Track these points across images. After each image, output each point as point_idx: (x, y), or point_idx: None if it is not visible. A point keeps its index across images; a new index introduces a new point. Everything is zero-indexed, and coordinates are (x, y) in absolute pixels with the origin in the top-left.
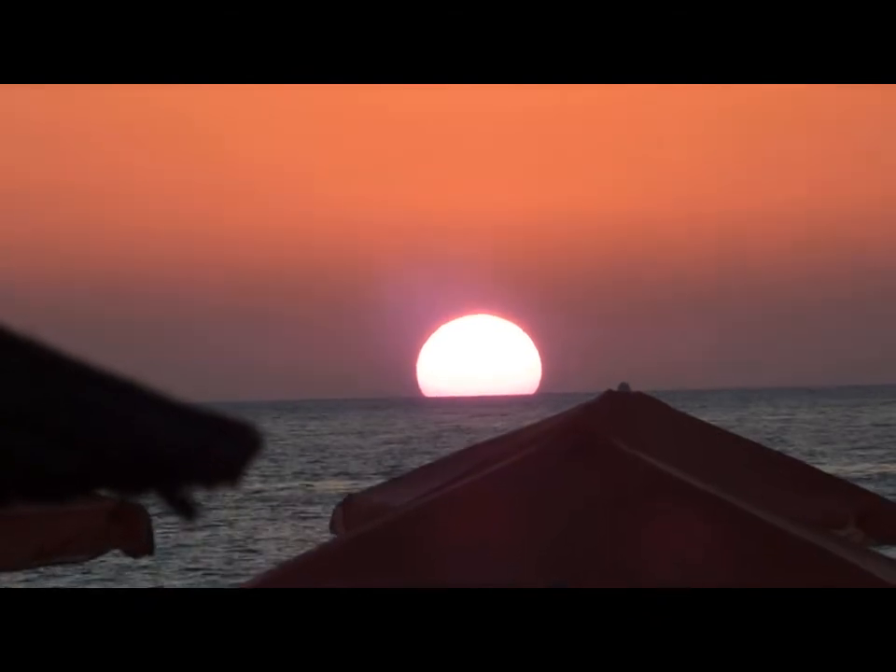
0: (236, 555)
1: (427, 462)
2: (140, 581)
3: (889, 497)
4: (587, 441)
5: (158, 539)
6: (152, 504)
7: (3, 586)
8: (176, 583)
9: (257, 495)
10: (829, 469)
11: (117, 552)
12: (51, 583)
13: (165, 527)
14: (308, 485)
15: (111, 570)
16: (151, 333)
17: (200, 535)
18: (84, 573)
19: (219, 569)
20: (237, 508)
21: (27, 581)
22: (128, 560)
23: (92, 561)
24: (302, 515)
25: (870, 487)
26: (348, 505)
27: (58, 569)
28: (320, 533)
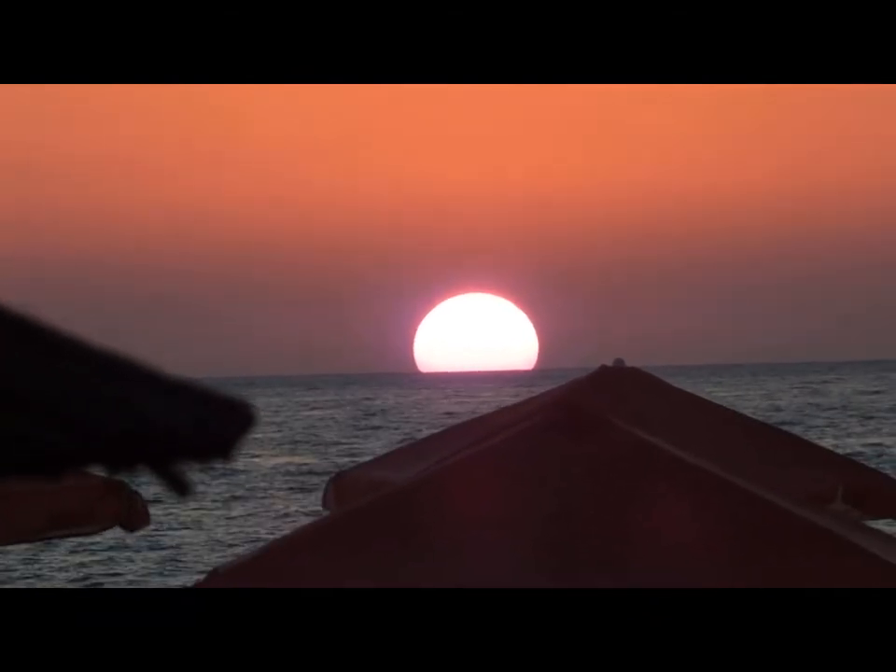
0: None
1: (419, 437)
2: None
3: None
4: (580, 417)
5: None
6: (146, 481)
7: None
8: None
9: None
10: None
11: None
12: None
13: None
14: (300, 461)
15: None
16: (152, 308)
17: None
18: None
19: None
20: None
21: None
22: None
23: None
24: (295, 490)
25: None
26: (340, 481)
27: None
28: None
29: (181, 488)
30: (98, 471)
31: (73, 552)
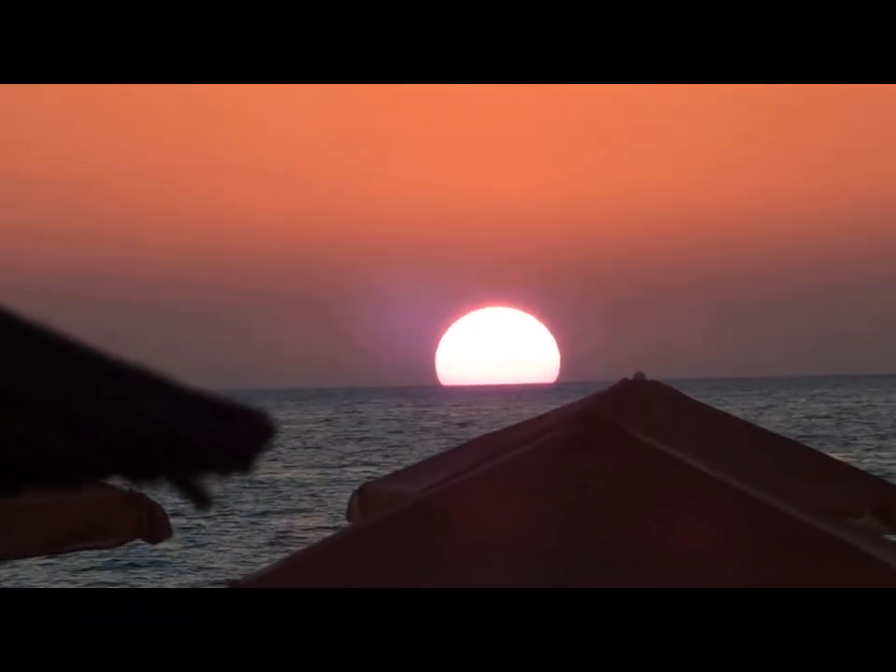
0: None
1: (443, 450)
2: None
3: None
4: (601, 430)
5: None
6: (167, 492)
7: (3, 586)
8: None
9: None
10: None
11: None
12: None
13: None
14: (325, 473)
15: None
16: (170, 320)
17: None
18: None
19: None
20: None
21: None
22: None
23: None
24: (319, 502)
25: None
26: (364, 493)
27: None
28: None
29: (201, 500)
30: (118, 483)
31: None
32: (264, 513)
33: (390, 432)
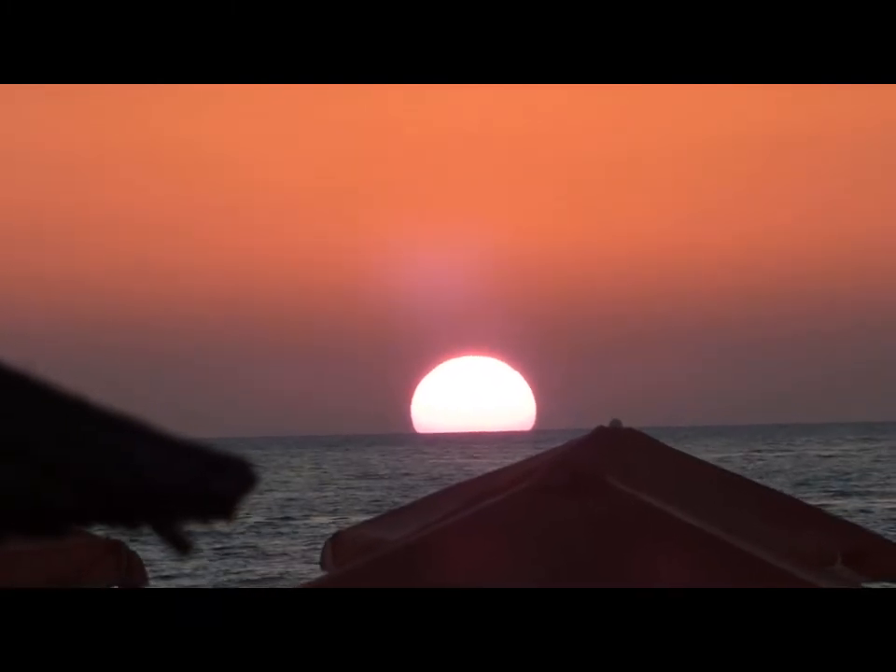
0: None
1: (417, 498)
2: None
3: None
4: (577, 478)
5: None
6: (147, 539)
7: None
8: None
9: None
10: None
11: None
12: None
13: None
14: (297, 521)
15: None
16: (147, 367)
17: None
18: None
19: None
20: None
21: None
22: None
23: None
24: (293, 550)
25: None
26: (338, 541)
27: None
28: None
29: (182, 547)
30: (99, 529)
31: None
32: (238, 559)
33: (362, 479)
